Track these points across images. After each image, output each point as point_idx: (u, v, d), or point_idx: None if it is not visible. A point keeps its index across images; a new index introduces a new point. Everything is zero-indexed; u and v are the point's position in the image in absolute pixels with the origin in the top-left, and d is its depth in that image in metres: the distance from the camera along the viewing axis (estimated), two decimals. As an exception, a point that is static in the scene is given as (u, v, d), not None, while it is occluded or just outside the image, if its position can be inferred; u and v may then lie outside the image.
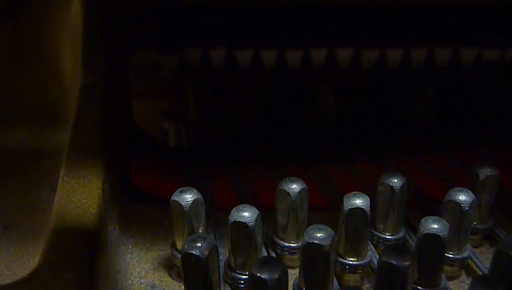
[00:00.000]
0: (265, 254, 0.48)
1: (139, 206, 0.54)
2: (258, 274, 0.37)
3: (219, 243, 0.49)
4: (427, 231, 0.42)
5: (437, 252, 0.42)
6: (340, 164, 0.63)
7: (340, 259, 0.45)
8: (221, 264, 0.45)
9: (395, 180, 0.47)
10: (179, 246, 0.46)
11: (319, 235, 0.40)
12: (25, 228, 0.54)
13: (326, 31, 0.65)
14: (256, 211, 0.43)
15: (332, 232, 0.40)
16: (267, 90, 0.69)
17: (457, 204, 0.45)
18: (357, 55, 0.66)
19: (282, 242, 0.48)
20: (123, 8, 0.62)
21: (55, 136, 0.67)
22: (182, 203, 0.44)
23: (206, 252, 0.39)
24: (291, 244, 0.47)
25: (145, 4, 0.64)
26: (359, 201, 0.43)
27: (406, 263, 0.38)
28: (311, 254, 0.40)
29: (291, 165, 0.63)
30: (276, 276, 0.37)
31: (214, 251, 0.40)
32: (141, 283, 0.47)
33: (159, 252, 0.50)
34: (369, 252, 0.46)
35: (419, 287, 0.43)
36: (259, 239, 0.44)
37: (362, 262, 0.45)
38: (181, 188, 0.45)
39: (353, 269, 0.45)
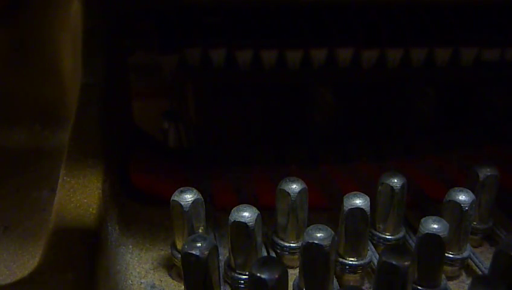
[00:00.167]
0: (265, 254, 0.48)
1: (139, 206, 0.54)
2: (258, 274, 0.37)
3: (219, 243, 0.49)
4: (427, 231, 0.42)
5: (437, 252, 0.42)
6: (340, 164, 0.63)
7: (340, 259, 0.45)
8: (221, 264, 0.45)
9: (395, 180, 0.47)
10: (179, 246, 0.46)
11: (319, 235, 0.40)
12: (25, 228, 0.54)
13: (326, 31, 0.65)
14: (256, 211, 0.43)
15: (332, 232, 0.40)
16: (267, 91, 0.69)
17: (457, 204, 0.45)
18: (357, 55, 0.66)
19: (282, 242, 0.48)
20: (123, 8, 0.62)
21: (55, 136, 0.67)
22: (182, 203, 0.44)
23: (206, 252, 0.39)
24: (291, 244, 0.47)
25: (145, 4, 0.64)
26: (359, 201, 0.43)
27: (406, 263, 0.38)
28: (311, 254, 0.40)
29: (291, 165, 0.63)
30: (276, 276, 0.37)
31: (214, 251, 0.40)
32: (141, 283, 0.47)
33: (159, 252, 0.50)
34: (369, 252, 0.46)
35: (419, 287, 0.43)
36: (259, 239, 0.44)
37: (362, 262, 0.45)
38: (181, 188, 0.45)
39: (353, 269, 0.45)
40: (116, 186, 0.51)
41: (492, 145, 0.66)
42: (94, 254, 0.42)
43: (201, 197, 0.45)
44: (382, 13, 0.66)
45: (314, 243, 0.39)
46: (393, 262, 0.38)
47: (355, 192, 0.44)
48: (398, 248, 0.40)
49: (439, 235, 0.41)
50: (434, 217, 0.43)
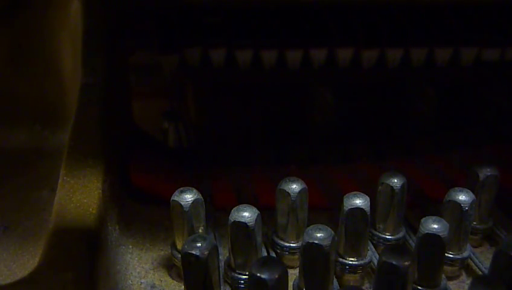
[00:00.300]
0: (265, 254, 0.48)
1: (139, 206, 0.54)
2: (258, 274, 0.37)
3: (219, 243, 0.49)
4: (427, 231, 0.42)
5: (437, 252, 0.42)
6: (340, 164, 0.63)
7: (340, 259, 0.45)
8: (221, 264, 0.45)
9: (395, 180, 0.47)
10: (179, 246, 0.46)
11: (319, 235, 0.40)
12: (25, 228, 0.54)
13: (326, 31, 0.65)
14: (256, 211, 0.43)
15: (332, 232, 0.40)
16: (267, 90, 0.69)
17: (457, 204, 0.45)
18: (357, 55, 0.66)
19: (282, 242, 0.48)
20: (123, 8, 0.62)
21: (55, 136, 0.67)
22: (182, 203, 0.44)
23: (206, 252, 0.39)
24: (291, 244, 0.47)
25: (145, 4, 0.64)
26: (359, 201, 0.43)
27: (406, 263, 0.38)
28: (311, 254, 0.40)
29: (291, 165, 0.63)
30: (276, 276, 0.37)
31: (214, 251, 0.40)
32: (141, 283, 0.47)
33: (159, 252, 0.50)
34: (369, 252, 0.46)
35: (419, 287, 0.43)
36: (259, 239, 0.44)
37: (362, 262, 0.45)
38: (181, 188, 0.45)
39: (353, 269, 0.45)
40: (116, 186, 0.51)
41: (492, 145, 0.66)
42: (94, 253, 0.42)
43: (201, 197, 0.45)
44: (382, 13, 0.66)
45: (314, 243, 0.39)
46: (393, 262, 0.38)
47: (355, 192, 0.44)
48: (398, 248, 0.40)
49: (439, 235, 0.41)
50: (434, 217, 0.43)
